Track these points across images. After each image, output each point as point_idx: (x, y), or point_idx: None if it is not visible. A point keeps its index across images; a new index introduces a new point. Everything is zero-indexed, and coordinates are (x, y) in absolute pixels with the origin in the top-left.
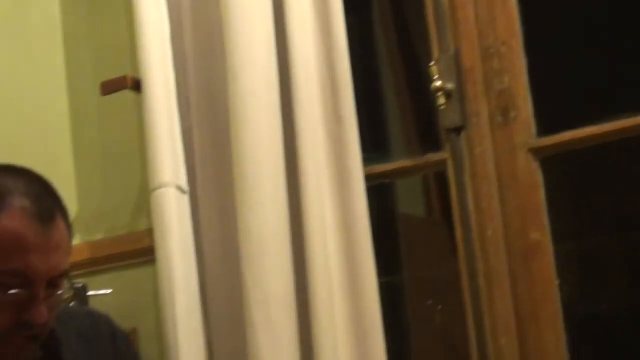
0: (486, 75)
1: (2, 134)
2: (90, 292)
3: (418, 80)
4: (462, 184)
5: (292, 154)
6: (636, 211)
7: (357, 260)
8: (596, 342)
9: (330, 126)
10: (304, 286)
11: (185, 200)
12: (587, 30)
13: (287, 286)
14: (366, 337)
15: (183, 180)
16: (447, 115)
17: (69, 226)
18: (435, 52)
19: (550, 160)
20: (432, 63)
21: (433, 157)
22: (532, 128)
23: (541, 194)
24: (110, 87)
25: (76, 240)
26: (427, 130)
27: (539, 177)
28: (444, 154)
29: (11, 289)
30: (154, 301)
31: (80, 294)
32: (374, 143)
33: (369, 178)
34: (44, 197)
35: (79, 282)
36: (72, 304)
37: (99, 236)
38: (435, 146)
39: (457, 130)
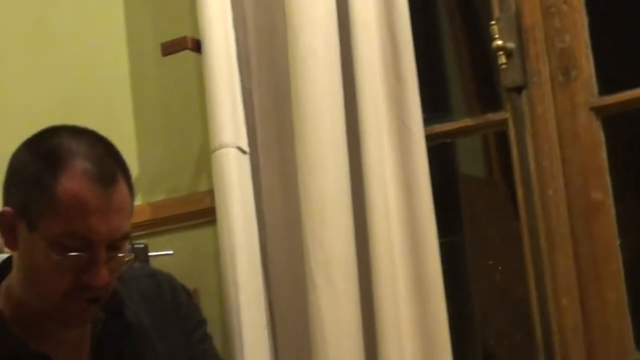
0: (547, 34)
1: (64, 96)
2: (152, 253)
3: (478, 40)
4: (523, 144)
5: (352, 114)
6: None
7: (418, 221)
8: None
9: (391, 86)
10: (365, 247)
11: (246, 160)
12: None
13: (348, 247)
14: (427, 298)
15: (244, 141)
16: (508, 75)
17: (131, 189)
18: (495, 10)
19: (611, 120)
20: (492, 22)
21: (494, 116)
22: (594, 87)
23: (603, 153)
24: (170, 48)
25: (137, 202)
26: (488, 90)
27: (600, 136)
28: (504, 114)
29: (72, 251)
30: (215, 262)
31: (141, 255)
32: (434, 103)
33: (429, 138)
34: (106, 160)
35: (140, 243)
36: (134, 265)
37: (160, 197)
38: (496, 106)
39: (518, 89)
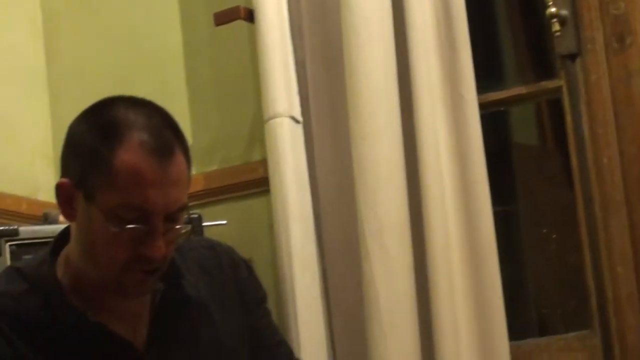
0: (601, 1)
1: (118, 67)
2: (206, 223)
3: (532, 7)
4: (577, 111)
5: (406, 81)
6: None
7: (472, 189)
8: None
9: (445, 53)
10: (418, 215)
11: (299, 130)
12: None
13: (402, 216)
14: (481, 266)
15: (297, 111)
16: (562, 42)
17: (188, 160)
18: None
19: None
20: None
21: (548, 84)
22: None
23: None
24: (223, 18)
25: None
26: (541, 57)
27: None
28: (558, 81)
29: (129, 223)
30: (269, 231)
31: (195, 225)
32: (487, 71)
33: (483, 106)
34: (163, 131)
35: (194, 214)
36: (192, 236)
37: (213, 167)
38: (550, 73)
39: (572, 57)
